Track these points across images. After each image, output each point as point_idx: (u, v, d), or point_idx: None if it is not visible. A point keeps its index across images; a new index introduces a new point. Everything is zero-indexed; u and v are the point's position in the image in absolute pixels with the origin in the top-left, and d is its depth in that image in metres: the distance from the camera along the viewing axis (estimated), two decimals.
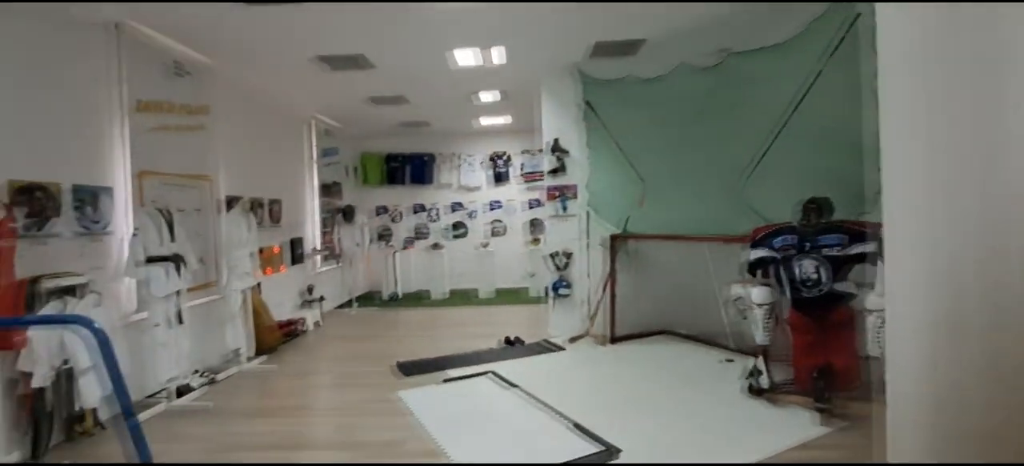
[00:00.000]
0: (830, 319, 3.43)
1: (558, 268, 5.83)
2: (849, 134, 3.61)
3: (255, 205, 5.93)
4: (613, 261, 5.39)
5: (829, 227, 3.40)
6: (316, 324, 6.78)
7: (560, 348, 5.29)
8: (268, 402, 4.11)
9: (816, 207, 3.41)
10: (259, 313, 5.47)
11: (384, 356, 5.22)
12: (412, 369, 4.69)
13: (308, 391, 4.39)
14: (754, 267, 3.81)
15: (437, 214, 10.08)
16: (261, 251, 5.97)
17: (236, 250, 4.90)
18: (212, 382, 4.49)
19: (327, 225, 8.15)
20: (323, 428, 3.57)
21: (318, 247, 7.62)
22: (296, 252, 7.03)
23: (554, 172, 5.77)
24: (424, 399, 3.93)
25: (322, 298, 7.17)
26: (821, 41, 3.63)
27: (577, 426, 3.28)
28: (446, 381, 4.33)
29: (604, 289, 5.47)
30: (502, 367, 4.65)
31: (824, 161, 3.73)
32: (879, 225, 3.28)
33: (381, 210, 10.12)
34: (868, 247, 3.27)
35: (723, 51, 4.32)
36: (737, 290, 3.91)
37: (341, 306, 8.28)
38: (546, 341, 5.56)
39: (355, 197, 9.51)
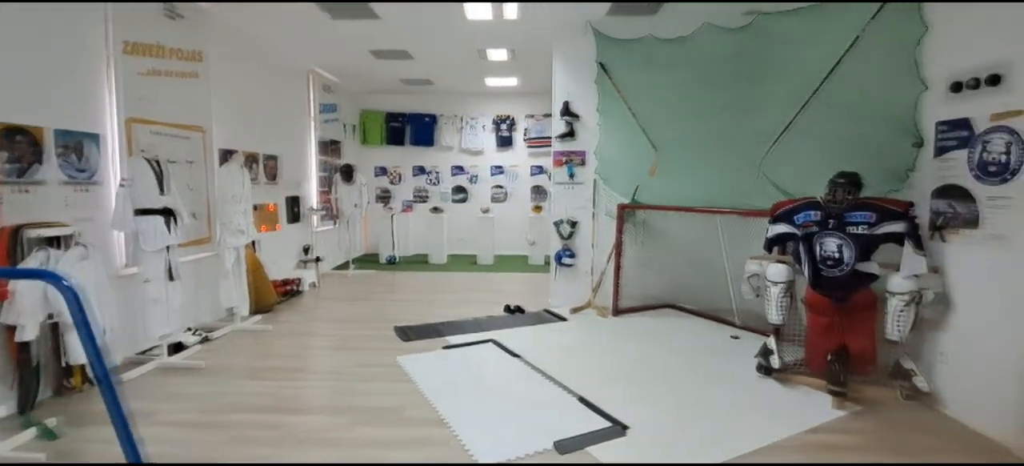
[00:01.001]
0: (850, 300, 3.29)
1: (563, 237, 5.67)
2: (885, 105, 3.42)
3: (251, 160, 5.72)
4: (620, 232, 5.22)
5: (857, 204, 3.22)
6: (313, 285, 6.66)
7: (562, 318, 5.17)
8: (263, 362, 4.00)
9: (845, 182, 3.22)
10: (255, 271, 5.33)
11: (382, 319, 5.11)
12: (411, 334, 4.57)
13: (304, 353, 4.27)
14: (772, 243, 3.66)
15: (438, 177, 9.87)
16: (256, 208, 5.79)
17: (230, 206, 4.71)
18: (206, 340, 4.37)
19: (326, 184, 7.94)
20: (319, 391, 3.46)
21: (316, 206, 7.43)
22: (293, 211, 6.84)
23: (563, 137, 5.54)
24: (424, 365, 3.82)
25: (319, 258, 7.02)
26: (863, 3, 3.38)
27: (582, 400, 3.17)
28: (447, 348, 4.21)
29: (609, 260, 5.32)
30: (503, 335, 4.54)
31: (856, 133, 3.53)
32: (911, 203, 3.14)
33: (380, 171, 9.91)
34: (897, 227, 3.11)
35: (752, 12, 4.05)
36: (752, 267, 3.77)
37: (339, 267, 8.15)
38: (547, 311, 5.44)
39: (354, 156, 9.28)
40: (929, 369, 3.17)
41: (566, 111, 5.47)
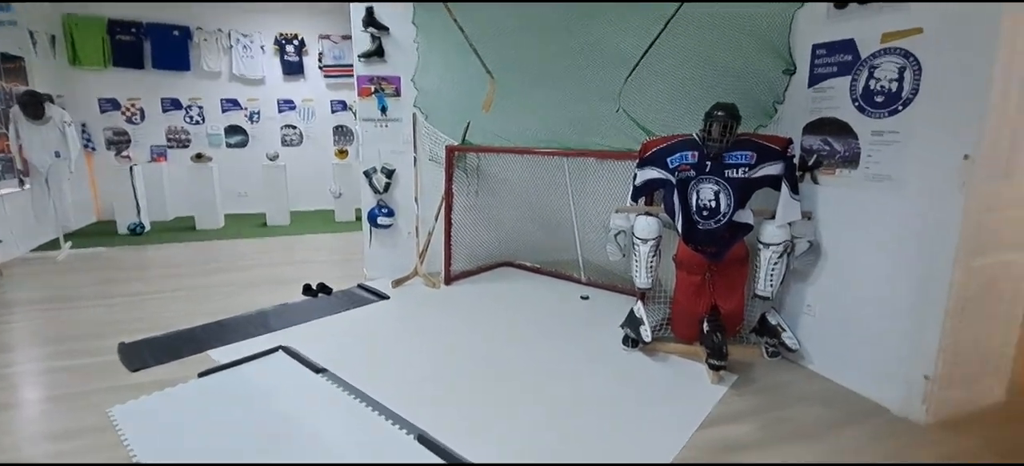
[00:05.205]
0: (724, 255, 2.84)
1: (377, 190, 4.42)
2: (756, 25, 2.92)
3: None
4: (450, 180, 4.20)
5: (736, 142, 2.71)
6: None
7: (383, 296, 4.03)
8: None
9: (724, 115, 2.65)
10: None
11: (102, 331, 3.33)
12: (148, 355, 2.97)
13: None
14: (640, 191, 3.03)
15: (201, 114, 7.52)
16: None
17: None
18: None
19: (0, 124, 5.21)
20: None
21: None
22: None
23: (369, 57, 4.18)
24: (159, 419, 2.36)
25: None
26: None
27: (422, 439, 2.16)
28: (205, 374, 2.76)
29: (438, 216, 4.30)
30: (300, 335, 3.25)
31: (725, 59, 3.00)
32: (789, 140, 2.71)
33: (110, 104, 7.13)
34: (775, 168, 2.68)
35: None
36: (618, 221, 3.11)
37: (42, 248, 5.59)
38: (363, 286, 4.24)
39: (58, 82, 6.42)
40: (793, 323, 2.92)
41: (370, 21, 4.09)
